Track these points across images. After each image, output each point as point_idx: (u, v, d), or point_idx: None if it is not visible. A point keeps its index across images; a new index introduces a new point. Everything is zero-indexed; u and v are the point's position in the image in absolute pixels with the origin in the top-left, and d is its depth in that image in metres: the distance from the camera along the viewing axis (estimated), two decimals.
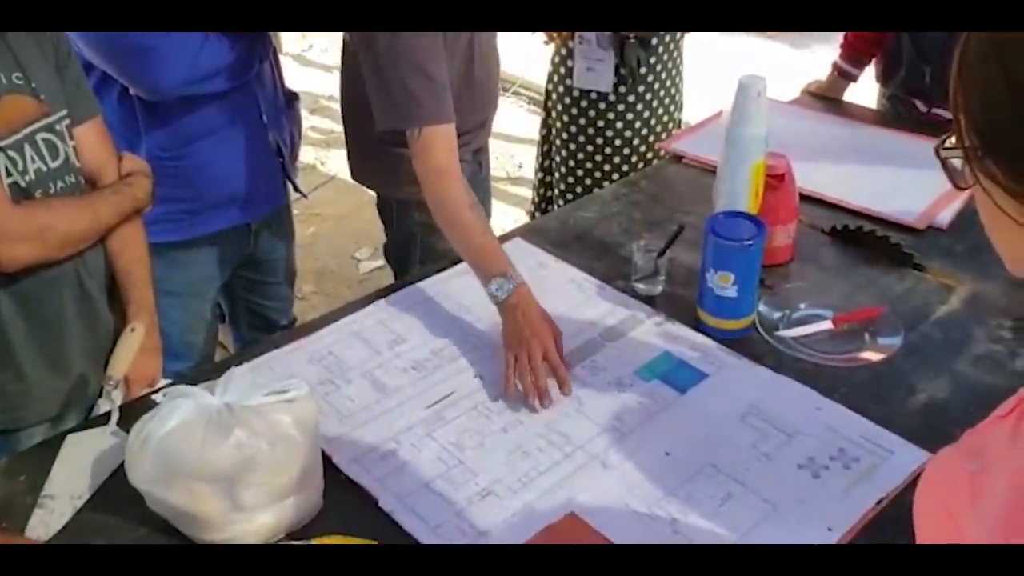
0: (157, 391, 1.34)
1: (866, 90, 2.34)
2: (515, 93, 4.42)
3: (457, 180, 1.45)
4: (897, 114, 2.18)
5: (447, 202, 1.44)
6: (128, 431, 1.10)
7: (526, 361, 1.30)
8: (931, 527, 0.68)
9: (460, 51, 1.58)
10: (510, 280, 1.36)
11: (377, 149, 1.66)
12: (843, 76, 2.24)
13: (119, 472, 1.14)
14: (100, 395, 1.35)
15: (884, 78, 2.20)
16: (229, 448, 1.03)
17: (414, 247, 1.81)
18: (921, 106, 2.12)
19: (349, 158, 1.81)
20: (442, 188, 1.45)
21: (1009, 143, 0.57)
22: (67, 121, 1.31)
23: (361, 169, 1.79)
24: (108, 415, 1.27)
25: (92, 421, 1.31)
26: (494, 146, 3.84)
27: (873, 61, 2.22)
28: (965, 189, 0.64)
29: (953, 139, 0.62)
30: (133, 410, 1.24)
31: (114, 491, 1.16)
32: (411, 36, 1.43)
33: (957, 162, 0.62)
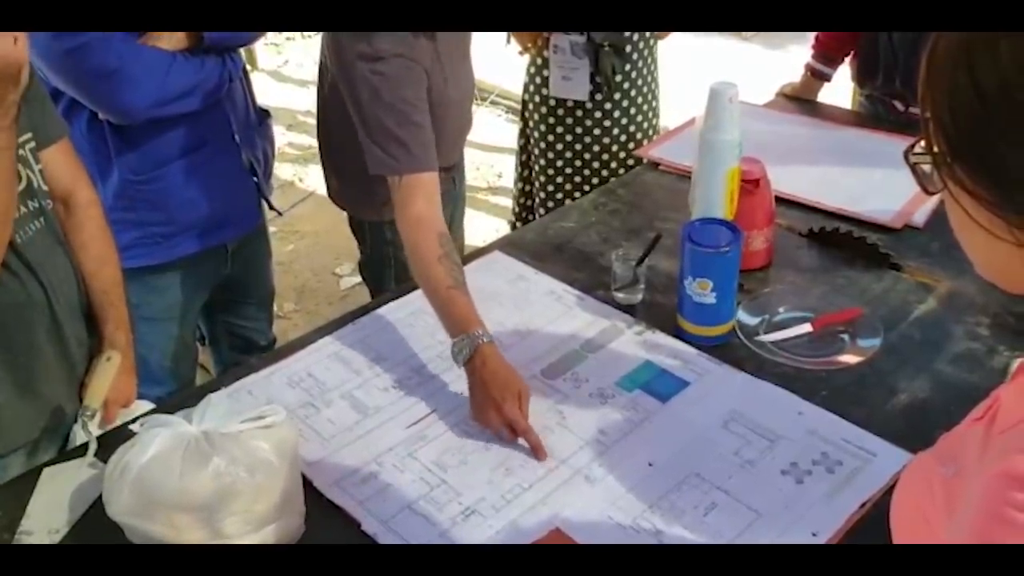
0: (135, 420, 1.33)
1: (842, 90, 2.35)
2: (493, 103, 4.42)
3: (432, 230, 1.41)
4: (876, 114, 2.19)
5: (420, 253, 1.40)
6: (106, 462, 1.09)
7: (492, 433, 1.25)
8: (907, 530, 0.68)
9: (434, 74, 1.57)
10: (473, 339, 1.29)
11: (351, 171, 1.65)
12: (816, 76, 2.24)
13: (97, 504, 1.13)
14: (76, 420, 1.34)
15: (861, 79, 2.21)
16: (208, 477, 1.02)
17: (388, 266, 1.80)
18: (899, 106, 2.13)
19: (325, 179, 1.80)
20: (418, 237, 1.41)
21: (976, 149, 0.57)
22: (31, 145, 1.30)
23: (336, 190, 1.79)
24: (85, 446, 1.26)
25: (69, 453, 1.29)
26: (474, 156, 3.87)
27: (848, 62, 2.23)
28: (934, 194, 0.64)
29: (922, 144, 0.62)
30: (110, 441, 1.22)
31: (93, 524, 1.15)
32: (395, 84, 1.43)
33: (927, 167, 0.62)
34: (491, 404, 1.25)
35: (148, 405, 1.43)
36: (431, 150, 1.48)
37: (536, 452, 1.23)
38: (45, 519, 1.16)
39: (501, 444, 1.25)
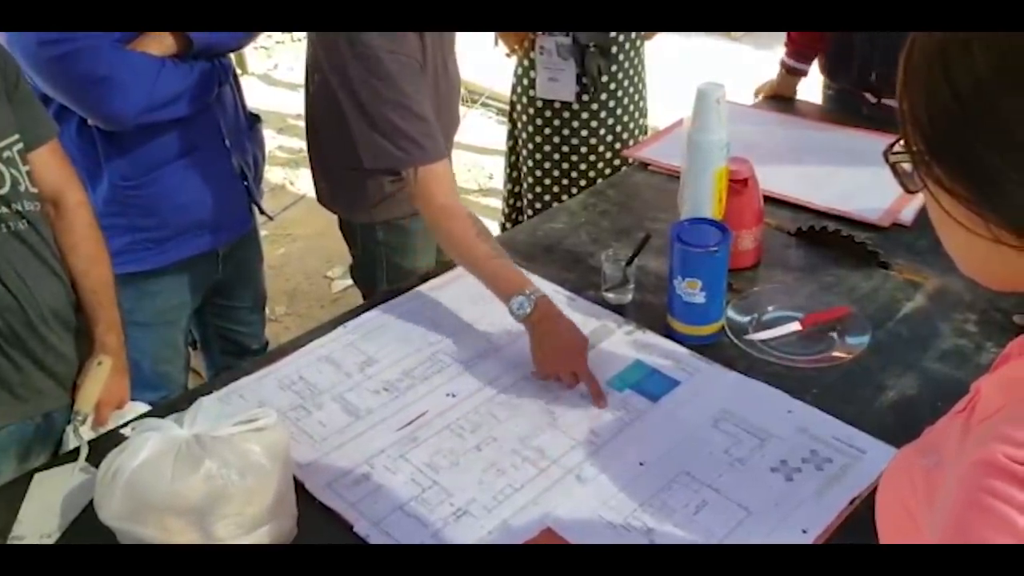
0: (127, 424, 1.33)
1: (810, 84, 2.35)
2: (484, 104, 4.42)
3: (461, 214, 1.47)
4: (845, 107, 2.20)
5: (455, 239, 1.46)
6: (97, 466, 1.09)
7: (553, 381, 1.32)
8: (891, 525, 0.69)
9: (427, 72, 1.58)
10: (530, 296, 1.37)
11: (340, 174, 1.66)
12: (792, 73, 2.26)
13: (89, 509, 1.13)
14: (68, 423, 1.34)
15: (831, 73, 2.22)
16: (199, 480, 1.02)
17: (379, 268, 1.80)
18: (871, 98, 2.14)
19: (315, 182, 1.80)
20: (451, 224, 1.46)
21: (953, 149, 0.58)
22: (19, 147, 1.30)
23: (326, 193, 1.79)
24: (77, 451, 1.26)
25: (61, 458, 1.29)
26: (465, 158, 3.88)
27: (818, 56, 2.24)
28: (914, 192, 0.65)
29: (902, 143, 0.63)
30: (102, 445, 1.22)
31: (85, 529, 1.14)
32: (394, 80, 1.44)
33: (908, 165, 0.63)
34: (563, 352, 1.33)
35: (142, 407, 1.43)
36: (439, 140, 1.50)
37: (596, 400, 1.31)
38: (37, 524, 1.16)
39: (492, 444, 1.25)
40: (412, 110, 1.46)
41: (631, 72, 2.24)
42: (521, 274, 1.42)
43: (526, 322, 1.37)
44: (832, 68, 2.20)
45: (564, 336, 1.36)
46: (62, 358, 1.38)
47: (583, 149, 2.26)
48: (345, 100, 1.49)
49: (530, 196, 2.38)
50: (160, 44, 1.57)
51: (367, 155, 1.50)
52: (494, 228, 3.19)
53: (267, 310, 2.18)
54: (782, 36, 2.34)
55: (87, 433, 1.32)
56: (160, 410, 1.34)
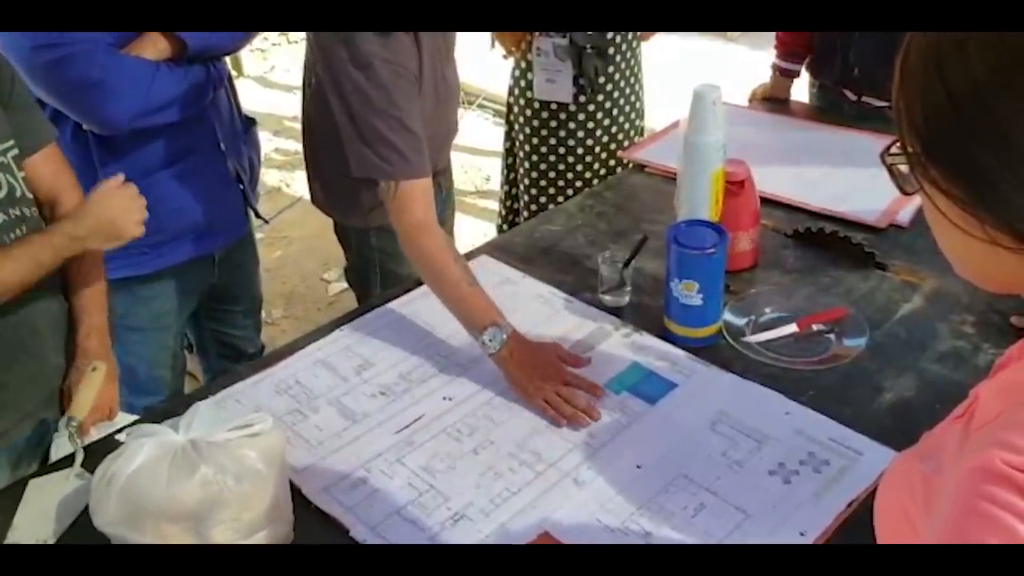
0: (121, 430, 1.32)
1: (801, 84, 2.36)
2: (480, 106, 4.42)
3: (436, 233, 1.45)
4: (828, 105, 2.20)
5: (429, 257, 1.43)
6: (92, 472, 1.08)
7: (556, 397, 1.29)
8: (890, 529, 0.69)
9: (424, 80, 1.58)
10: (502, 330, 1.35)
11: (335, 178, 1.65)
12: (785, 74, 2.26)
13: (84, 515, 1.12)
14: (56, 431, 1.33)
15: (816, 70, 2.22)
16: (195, 485, 1.02)
17: (373, 272, 1.80)
18: (850, 95, 2.13)
19: (309, 185, 1.80)
20: (422, 243, 1.44)
21: (948, 150, 0.57)
22: (14, 152, 1.29)
23: (321, 196, 1.79)
24: (72, 457, 1.25)
25: (55, 464, 1.28)
26: (462, 160, 3.88)
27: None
28: (911, 194, 0.64)
29: (898, 145, 0.63)
30: (97, 451, 1.22)
31: (80, 534, 1.14)
32: (387, 90, 1.43)
33: (904, 167, 0.63)
34: (543, 366, 1.33)
35: (129, 417, 1.42)
36: (425, 156, 1.48)
37: (593, 390, 1.33)
38: (32, 531, 1.15)
39: (489, 448, 1.25)
40: (401, 121, 1.44)
41: (628, 73, 2.24)
42: (494, 305, 1.39)
43: (497, 356, 1.34)
44: (817, 65, 2.20)
45: (539, 357, 1.35)
46: (56, 369, 1.37)
47: (580, 151, 2.26)
48: (336, 106, 1.48)
49: (527, 198, 2.38)
50: (155, 48, 1.56)
51: (354, 163, 1.48)
52: (491, 230, 3.19)
53: (263, 313, 2.17)
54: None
55: (82, 439, 1.31)
56: (155, 415, 1.34)
